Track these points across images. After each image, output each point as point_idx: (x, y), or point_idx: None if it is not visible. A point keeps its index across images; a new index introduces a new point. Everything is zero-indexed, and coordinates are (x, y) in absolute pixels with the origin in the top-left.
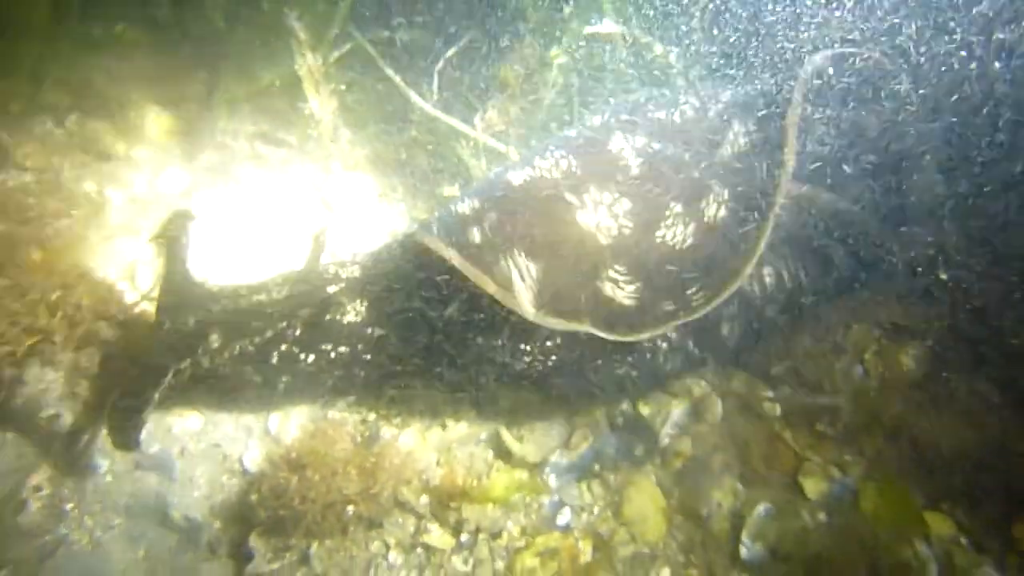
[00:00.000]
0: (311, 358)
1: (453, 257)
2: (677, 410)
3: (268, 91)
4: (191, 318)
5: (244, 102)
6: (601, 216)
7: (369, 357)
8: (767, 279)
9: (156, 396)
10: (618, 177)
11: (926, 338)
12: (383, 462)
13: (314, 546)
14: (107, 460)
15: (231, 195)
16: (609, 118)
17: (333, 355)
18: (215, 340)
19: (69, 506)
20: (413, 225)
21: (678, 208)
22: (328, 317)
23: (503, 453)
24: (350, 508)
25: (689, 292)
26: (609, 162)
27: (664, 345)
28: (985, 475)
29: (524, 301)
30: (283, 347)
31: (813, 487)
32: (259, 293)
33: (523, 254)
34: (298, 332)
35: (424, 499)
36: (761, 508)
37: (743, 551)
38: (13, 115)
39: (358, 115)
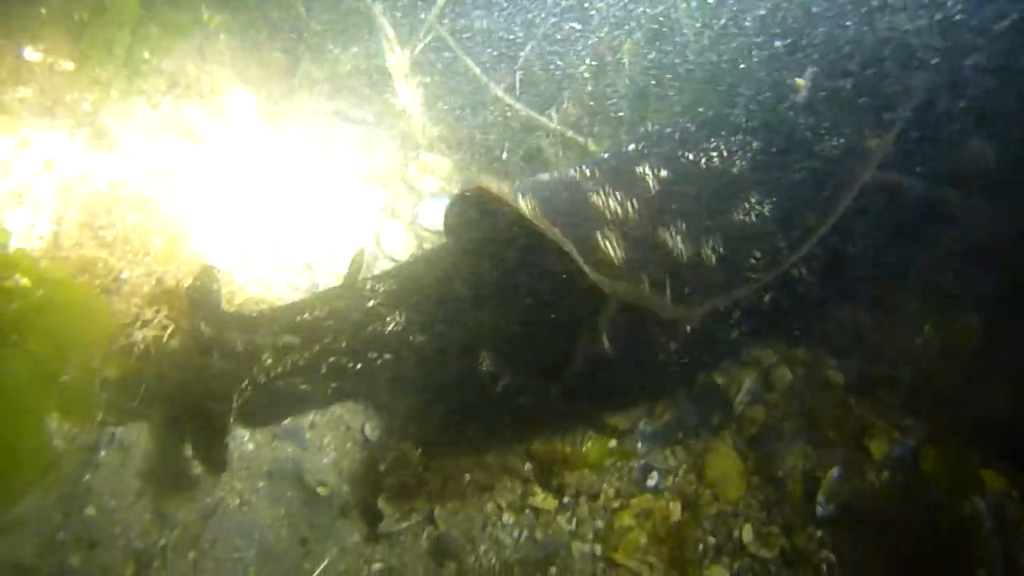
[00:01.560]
0: (359, 366)
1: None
2: (748, 379)
3: (345, 72)
4: (239, 343)
5: (323, 83)
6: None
7: (413, 361)
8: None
9: (231, 419)
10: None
11: (981, 309)
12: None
13: (437, 509)
14: (248, 431)
15: (317, 172)
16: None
17: (379, 361)
18: (267, 359)
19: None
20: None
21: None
22: (369, 329)
23: (595, 422)
24: (467, 476)
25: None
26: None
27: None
28: None
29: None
30: (331, 359)
31: (878, 449)
32: (302, 313)
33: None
34: (343, 344)
35: (528, 466)
36: (834, 471)
37: (819, 510)
38: (114, 101)
39: (439, 101)
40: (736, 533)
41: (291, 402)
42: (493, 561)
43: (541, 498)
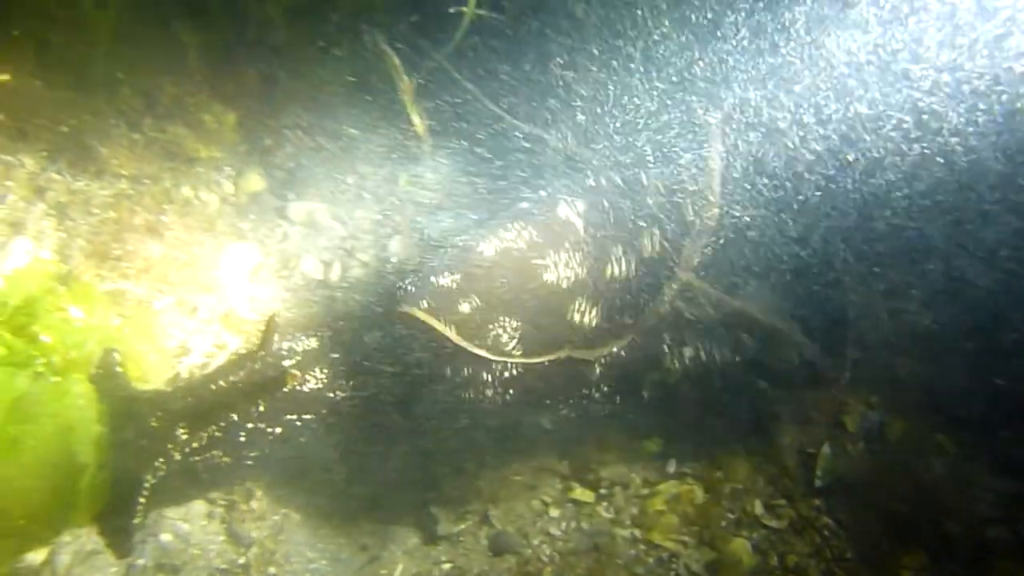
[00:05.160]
0: (278, 430)
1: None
2: None
3: (331, 91)
4: (151, 421)
5: (304, 98)
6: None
7: (334, 422)
8: None
9: (141, 503)
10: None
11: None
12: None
13: (490, 509)
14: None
15: (312, 193)
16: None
17: (299, 423)
18: (183, 434)
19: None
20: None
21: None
22: (286, 390)
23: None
24: (517, 477)
25: None
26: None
27: None
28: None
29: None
30: (248, 425)
31: (852, 423)
32: (215, 381)
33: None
34: (261, 409)
35: (564, 463)
36: (826, 447)
37: (817, 482)
38: (92, 123)
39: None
40: (749, 508)
41: (210, 477)
42: (548, 552)
43: (580, 492)
